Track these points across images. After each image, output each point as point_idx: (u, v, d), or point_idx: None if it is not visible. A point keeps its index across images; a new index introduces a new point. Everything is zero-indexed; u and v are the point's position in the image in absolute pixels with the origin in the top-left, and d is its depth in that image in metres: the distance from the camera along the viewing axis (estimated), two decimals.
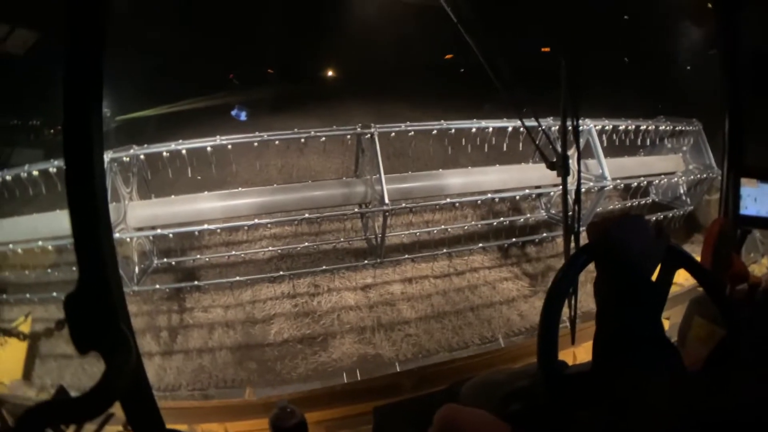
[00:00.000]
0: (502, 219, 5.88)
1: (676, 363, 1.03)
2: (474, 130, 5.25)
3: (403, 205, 5.17)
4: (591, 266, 1.23)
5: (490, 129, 5.28)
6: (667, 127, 6.16)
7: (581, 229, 1.81)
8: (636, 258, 1.12)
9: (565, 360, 1.38)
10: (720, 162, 2.35)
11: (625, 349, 1.01)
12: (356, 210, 5.29)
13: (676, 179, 6.16)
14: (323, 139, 5.01)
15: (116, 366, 0.89)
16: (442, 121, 5.17)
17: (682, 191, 6.33)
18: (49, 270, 5.03)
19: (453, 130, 5.24)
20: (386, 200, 4.70)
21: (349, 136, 5.23)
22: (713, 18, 2.13)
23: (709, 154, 6.06)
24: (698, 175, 6.09)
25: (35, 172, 4.58)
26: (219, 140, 4.68)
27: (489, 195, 5.31)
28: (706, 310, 1.83)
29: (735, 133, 2.13)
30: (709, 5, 2.21)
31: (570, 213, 1.87)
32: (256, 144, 4.87)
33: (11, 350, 4.31)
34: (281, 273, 5.49)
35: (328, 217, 5.35)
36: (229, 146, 4.74)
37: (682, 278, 1.43)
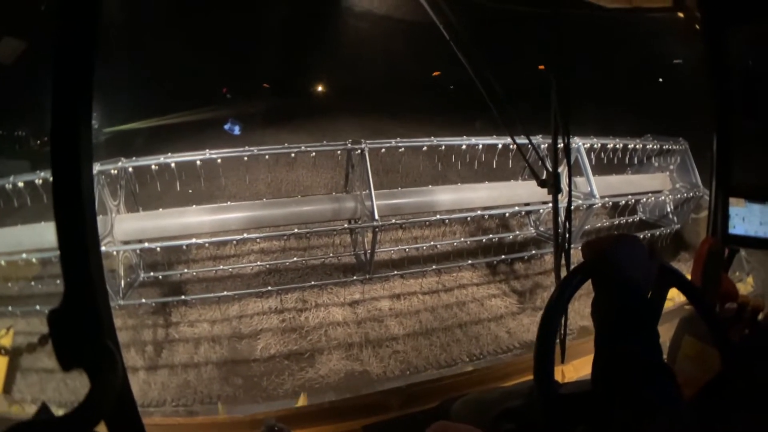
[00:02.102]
0: (491, 236, 5.88)
1: (675, 385, 1.02)
2: (464, 146, 5.29)
3: (393, 221, 5.17)
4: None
5: (480, 146, 5.32)
6: (655, 146, 6.23)
7: (572, 246, 1.81)
8: (634, 277, 1.11)
9: (556, 379, 1.37)
10: (706, 181, 2.37)
11: (625, 370, 1.00)
12: (345, 225, 5.29)
13: (663, 197, 6.22)
14: (313, 154, 5.02)
15: (102, 384, 0.87)
16: (433, 137, 5.20)
17: (669, 209, 6.38)
18: (32, 282, 4.96)
19: (443, 147, 5.28)
20: (376, 216, 4.69)
21: (339, 152, 5.25)
22: (701, 37, 2.16)
23: (695, 173, 6.13)
24: (685, 194, 6.16)
25: (21, 184, 4.54)
26: (208, 154, 4.66)
27: (478, 212, 5.31)
28: (696, 329, 1.83)
29: (723, 152, 2.15)
30: (697, 25, 2.24)
31: (560, 230, 1.87)
32: (245, 158, 4.85)
33: None
34: (269, 288, 5.44)
35: (317, 232, 5.33)
36: (219, 160, 4.72)
37: (669, 295, 1.43)
